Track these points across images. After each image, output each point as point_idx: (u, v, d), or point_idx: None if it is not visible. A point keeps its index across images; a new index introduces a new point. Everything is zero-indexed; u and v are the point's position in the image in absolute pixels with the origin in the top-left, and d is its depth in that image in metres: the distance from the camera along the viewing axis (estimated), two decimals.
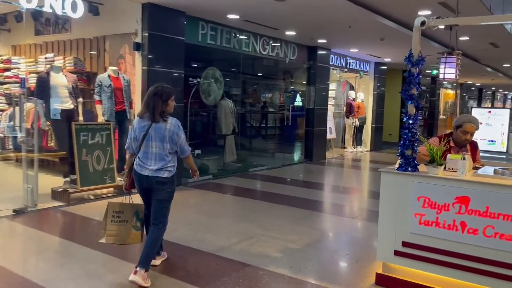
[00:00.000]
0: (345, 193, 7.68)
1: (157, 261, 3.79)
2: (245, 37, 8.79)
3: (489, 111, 5.19)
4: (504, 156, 4.94)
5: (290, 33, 8.98)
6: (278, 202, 6.42)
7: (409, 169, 3.35)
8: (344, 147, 13.40)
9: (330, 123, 11.87)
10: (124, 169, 7.04)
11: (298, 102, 11.05)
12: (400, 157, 3.42)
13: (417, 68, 3.36)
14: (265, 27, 8.40)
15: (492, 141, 5.11)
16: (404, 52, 11.54)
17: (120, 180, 6.71)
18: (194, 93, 8.50)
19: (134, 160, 3.52)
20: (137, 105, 6.83)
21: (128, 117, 6.76)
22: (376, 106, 14.14)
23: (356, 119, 13.09)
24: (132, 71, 6.99)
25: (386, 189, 3.47)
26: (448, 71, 3.64)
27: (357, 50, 11.48)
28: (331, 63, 11.46)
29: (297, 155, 11.24)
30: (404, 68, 16.00)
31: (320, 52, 10.78)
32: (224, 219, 5.52)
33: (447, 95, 22.19)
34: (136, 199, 3.72)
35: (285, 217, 5.60)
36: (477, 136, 5.35)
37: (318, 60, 10.74)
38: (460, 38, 9.71)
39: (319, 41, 9.93)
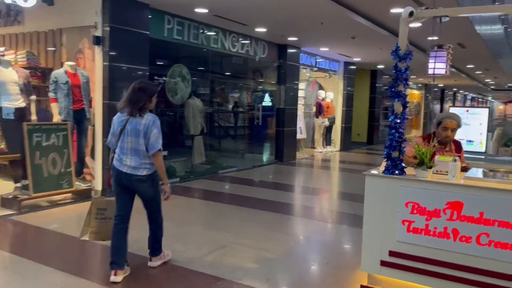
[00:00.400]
0: (317, 195, 7.44)
1: (118, 277, 3.38)
2: (214, 33, 8.41)
3: (467, 110, 5.05)
4: (483, 157, 4.80)
5: (261, 29, 8.68)
6: (249, 206, 6.09)
7: (396, 172, 3.09)
8: (314, 147, 13.23)
9: (300, 123, 11.65)
10: (83, 172, 6.56)
11: (268, 101, 10.78)
12: (386, 159, 3.16)
13: (405, 63, 3.11)
14: (234, 22, 8.05)
15: (470, 141, 4.97)
16: (373, 51, 11.50)
17: (79, 184, 6.20)
18: (160, 92, 8.04)
19: (113, 156, 3.47)
20: (98, 104, 6.33)
21: (88, 117, 6.24)
22: (345, 106, 14.06)
23: (326, 119, 12.95)
24: (92, 67, 6.47)
25: (371, 194, 3.21)
26: (438, 66, 3.43)
27: (327, 49, 11.31)
28: (301, 62, 11.25)
29: (267, 156, 10.96)
30: (372, 68, 16.09)
31: (290, 50, 10.54)
32: (193, 227, 5.13)
33: (412, 95, 22.52)
34: None
35: (258, 222, 5.27)
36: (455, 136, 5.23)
37: (288, 58, 10.50)
38: (429, 38, 9.72)
39: (290, 39, 9.68)
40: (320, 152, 13.02)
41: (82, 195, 6.07)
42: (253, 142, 10.98)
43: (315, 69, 12.42)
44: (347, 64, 13.84)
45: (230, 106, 11.53)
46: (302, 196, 7.39)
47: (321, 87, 13.90)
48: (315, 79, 13.77)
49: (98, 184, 6.38)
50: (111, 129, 3.50)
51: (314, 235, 5.06)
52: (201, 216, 5.81)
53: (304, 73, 12.04)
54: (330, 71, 13.23)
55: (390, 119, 3.12)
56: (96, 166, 6.43)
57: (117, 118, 3.47)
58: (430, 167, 3.01)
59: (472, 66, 15.62)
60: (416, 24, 8.35)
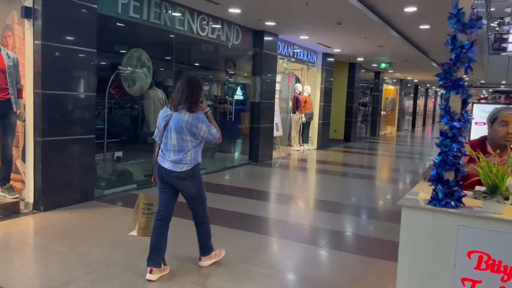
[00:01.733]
0: (302, 207, 6.36)
1: (153, 276, 3.29)
2: (180, 14, 7.16)
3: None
4: None
5: (234, 10, 7.47)
6: (221, 223, 4.91)
7: (452, 204, 2.02)
8: (291, 145, 12.18)
9: (277, 119, 10.56)
10: (9, 180, 5.21)
11: (241, 94, 9.63)
12: (433, 183, 2.08)
13: (471, 34, 2.02)
14: (204, 0, 6.83)
15: None
16: (357, 41, 10.16)
17: (3, 196, 4.87)
18: (113, 81, 6.75)
19: (158, 151, 3.41)
20: (28, 94, 4.99)
21: (15, 109, 4.89)
22: (323, 101, 13.07)
23: (303, 115, 11.93)
24: (23, 47, 5.13)
25: (409, 235, 2.12)
26: None
27: (307, 38, 10.23)
28: (278, 51, 10.13)
29: (240, 156, 9.81)
30: (351, 61, 15.16)
31: (267, 38, 9.39)
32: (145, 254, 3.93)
33: (387, 90, 21.86)
34: None
35: (231, 248, 4.12)
36: None
37: (264, 47, 9.35)
38: (421, 27, 8.81)
39: (267, 23, 8.53)
40: (297, 150, 11.99)
41: (8, 210, 4.77)
42: (225, 140, 9.79)
43: (293, 60, 11.33)
44: (325, 55, 12.82)
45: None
46: (282, 208, 6.25)
47: (298, 80, 12.85)
48: (292, 71, 12.70)
49: (29, 195, 5.05)
50: (157, 123, 3.42)
51: (309, 270, 3.95)
52: None
53: (281, 64, 10.94)
54: (308, 63, 12.18)
55: (443, 121, 2.03)
56: (27, 171, 5.10)
57: (162, 113, 3.41)
58: (507, 198, 1.95)
59: None
60: (411, 9, 7.43)
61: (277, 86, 11.46)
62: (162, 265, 3.38)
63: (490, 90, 32.71)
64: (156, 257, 3.33)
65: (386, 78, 20.21)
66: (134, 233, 3.59)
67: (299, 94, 11.84)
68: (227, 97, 9.30)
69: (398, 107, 23.84)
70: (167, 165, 3.29)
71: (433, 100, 36.89)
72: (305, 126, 12.29)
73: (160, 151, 3.38)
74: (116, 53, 6.88)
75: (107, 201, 5.63)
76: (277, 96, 10.86)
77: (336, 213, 5.82)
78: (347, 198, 6.97)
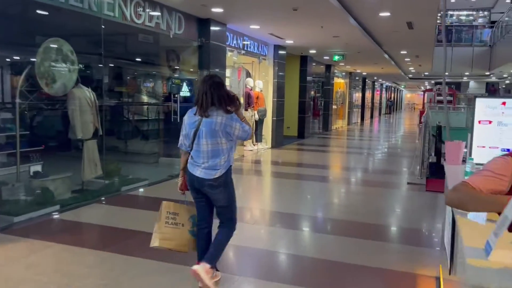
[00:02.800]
0: (260, 223, 5.44)
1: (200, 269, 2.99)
2: None
3: (503, 103, 3.34)
4: None
5: None
6: (167, 259, 3.89)
7: None
8: (244, 145, 11.24)
9: None
10: None
11: (188, 91, 8.54)
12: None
13: None
14: None
15: (506, 149, 3.26)
16: (312, 31, 9.21)
17: None
18: (27, 78, 5.50)
19: (188, 159, 3.22)
20: None
21: None
22: (276, 97, 12.23)
23: (256, 112, 11.04)
24: None
25: None
26: None
27: (258, 27, 9.31)
28: (227, 43, 9.14)
29: None
30: (303, 53, 14.43)
31: (214, 28, 8.37)
32: None
33: (337, 84, 21.50)
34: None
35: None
36: (483, 142, 3.51)
37: (212, 37, 8.32)
38: (381, 14, 8.15)
39: (214, 10, 7.50)
40: (251, 150, 11.09)
41: None
42: (170, 143, 8.67)
43: (243, 52, 10.38)
44: (277, 48, 11.99)
45: (140, 98, 9.09)
46: (242, 230, 5.30)
47: (248, 75, 11.90)
48: (242, 64, 11.74)
49: None
50: (182, 131, 3.23)
51: None
52: (89, 285, 3.48)
53: (230, 57, 9.96)
54: (260, 56, 11.29)
55: None
56: None
57: (188, 119, 3.18)
58: None
59: (405, 52, 14.68)
60: None
61: (227, 81, 10.47)
62: (214, 270, 3.24)
63: (433, 81, 33.63)
64: (214, 260, 3.17)
65: (336, 71, 19.78)
66: (156, 244, 3.15)
67: (251, 89, 10.95)
68: (171, 94, 8.18)
69: (348, 101, 23.62)
70: (198, 173, 3.13)
71: (378, 92, 37.37)
72: (258, 124, 11.42)
73: (190, 158, 3.20)
74: (29, 45, 5.61)
75: (17, 233, 4.40)
76: None
77: (295, 229, 4.96)
78: (309, 208, 6.16)
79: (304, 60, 14.81)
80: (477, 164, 3.21)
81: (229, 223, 3.29)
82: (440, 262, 3.71)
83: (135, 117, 9.25)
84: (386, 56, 14.84)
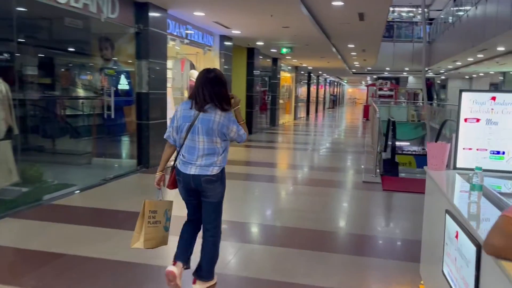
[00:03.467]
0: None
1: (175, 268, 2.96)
2: None
3: (493, 98, 2.90)
4: None
5: None
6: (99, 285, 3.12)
7: None
8: None
9: (171, 112, 8.74)
10: None
11: (125, 84, 7.64)
12: None
13: None
14: None
15: (496, 152, 2.84)
16: (261, 20, 8.46)
17: None
18: None
19: (177, 156, 3.04)
20: None
21: None
22: None
23: None
24: None
25: None
26: None
27: (203, 14, 8.55)
28: (168, 31, 8.31)
29: (126, 161, 7.85)
30: (250, 45, 13.82)
31: (153, 13, 7.51)
32: None
33: (284, 78, 21.16)
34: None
35: None
36: (470, 144, 3.06)
37: (150, 24, 7.46)
38: (333, 3, 7.71)
39: None
40: None
41: None
42: (104, 142, 7.72)
43: (186, 41, 9.58)
44: (223, 38, 11.29)
45: (71, 90, 8.03)
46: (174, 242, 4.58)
47: (193, 67, 11.09)
48: (185, 55, 10.90)
49: None
50: (173, 122, 3.02)
51: None
52: None
53: (173, 47, 9.13)
54: (205, 46, 10.53)
55: None
56: None
57: (183, 112, 2.98)
58: None
59: (352, 45, 14.52)
60: None
61: (169, 73, 9.62)
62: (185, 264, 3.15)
63: (375, 76, 34.40)
64: (182, 255, 3.10)
65: (282, 65, 19.39)
66: (139, 245, 2.99)
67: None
68: (104, 87, 7.23)
69: (294, 95, 23.39)
70: (193, 170, 2.95)
71: (322, 87, 37.69)
72: None
73: (180, 156, 3.01)
74: None
75: None
76: (169, 85, 9.06)
77: (236, 241, 4.35)
78: (255, 214, 5.59)
79: (251, 52, 14.22)
80: (466, 169, 2.75)
81: (215, 230, 3.16)
82: (416, 279, 3.24)
83: (65, 112, 8.18)
84: (334, 49, 14.59)
